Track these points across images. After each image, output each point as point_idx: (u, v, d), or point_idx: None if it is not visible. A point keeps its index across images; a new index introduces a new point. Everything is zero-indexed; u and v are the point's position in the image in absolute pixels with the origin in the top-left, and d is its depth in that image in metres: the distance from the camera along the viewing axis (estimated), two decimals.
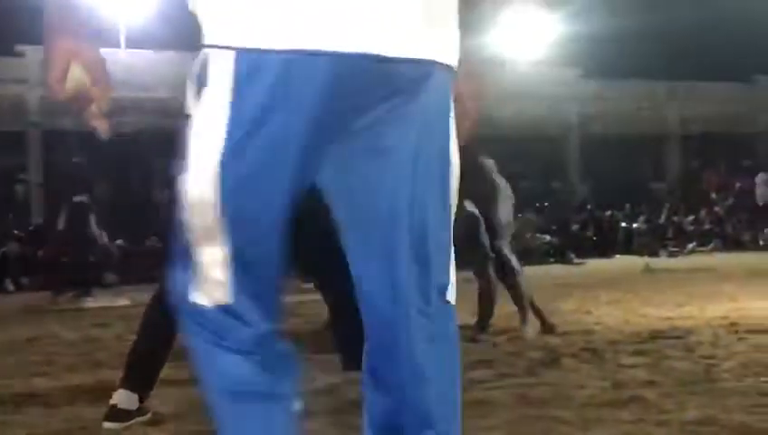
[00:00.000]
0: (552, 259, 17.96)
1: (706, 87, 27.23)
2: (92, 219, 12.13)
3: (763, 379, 4.13)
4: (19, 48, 18.56)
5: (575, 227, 20.80)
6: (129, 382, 3.58)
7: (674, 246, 20.08)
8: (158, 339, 3.61)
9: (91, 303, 10.77)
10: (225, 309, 1.58)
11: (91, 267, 12.94)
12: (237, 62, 1.50)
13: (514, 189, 6.68)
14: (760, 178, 21.81)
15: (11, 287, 14.81)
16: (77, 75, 1.62)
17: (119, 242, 16.44)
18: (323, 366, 4.29)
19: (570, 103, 25.88)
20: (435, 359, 1.66)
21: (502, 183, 6.49)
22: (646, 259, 15.33)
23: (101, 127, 1.68)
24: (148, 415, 3.62)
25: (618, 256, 19.22)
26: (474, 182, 6.10)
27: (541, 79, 25.03)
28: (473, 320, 6.27)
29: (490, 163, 6.50)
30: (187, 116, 1.57)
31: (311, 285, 5.97)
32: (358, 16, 1.51)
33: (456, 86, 1.70)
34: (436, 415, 1.66)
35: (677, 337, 5.63)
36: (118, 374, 3.75)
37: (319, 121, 1.54)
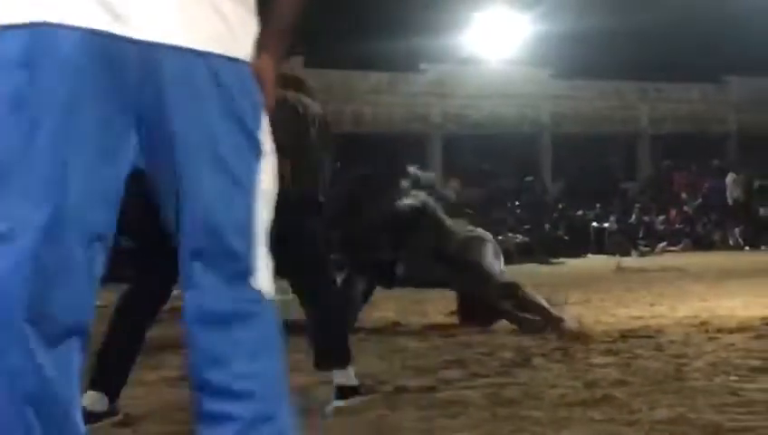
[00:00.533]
0: (525, 258, 17.96)
1: (677, 87, 27.45)
2: None
3: (732, 378, 4.16)
4: None
5: (547, 226, 20.86)
6: (98, 384, 3.54)
7: (645, 246, 20.19)
8: (128, 339, 3.58)
9: None
10: None
11: None
12: None
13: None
14: (730, 178, 21.95)
15: None
16: None
17: None
18: (294, 365, 4.25)
19: (542, 103, 25.98)
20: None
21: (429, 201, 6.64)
22: (618, 259, 15.39)
23: None
24: (119, 416, 3.59)
25: (590, 255, 19.31)
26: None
27: (512, 78, 25.13)
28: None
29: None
30: None
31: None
32: None
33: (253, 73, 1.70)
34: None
35: (648, 337, 5.65)
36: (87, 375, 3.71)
37: (73, 103, 1.53)
